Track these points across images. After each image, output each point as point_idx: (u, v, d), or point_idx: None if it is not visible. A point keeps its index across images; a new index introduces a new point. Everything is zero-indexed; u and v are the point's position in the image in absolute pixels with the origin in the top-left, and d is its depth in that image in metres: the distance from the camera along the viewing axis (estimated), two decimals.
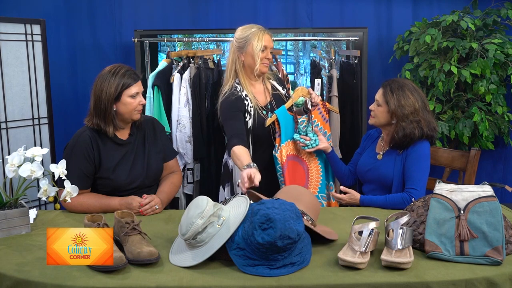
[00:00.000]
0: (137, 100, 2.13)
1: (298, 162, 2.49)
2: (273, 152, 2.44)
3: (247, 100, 2.43)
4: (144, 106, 2.24)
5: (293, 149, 2.47)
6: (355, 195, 2.23)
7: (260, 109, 2.46)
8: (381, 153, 2.33)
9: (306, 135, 2.45)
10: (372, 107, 2.32)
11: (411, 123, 2.18)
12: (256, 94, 2.50)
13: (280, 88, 2.61)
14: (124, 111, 2.12)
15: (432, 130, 2.22)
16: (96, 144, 2.12)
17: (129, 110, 2.12)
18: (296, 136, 2.45)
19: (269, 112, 2.50)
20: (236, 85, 2.46)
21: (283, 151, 2.42)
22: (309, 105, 2.47)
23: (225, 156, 2.64)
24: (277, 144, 2.44)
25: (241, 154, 2.18)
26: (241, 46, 2.42)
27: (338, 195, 2.28)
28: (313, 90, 3.15)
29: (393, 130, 2.23)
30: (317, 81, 3.18)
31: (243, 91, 2.45)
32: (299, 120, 2.46)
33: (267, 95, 2.54)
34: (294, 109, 2.53)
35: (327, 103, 2.59)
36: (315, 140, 2.44)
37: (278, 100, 2.55)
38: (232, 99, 2.41)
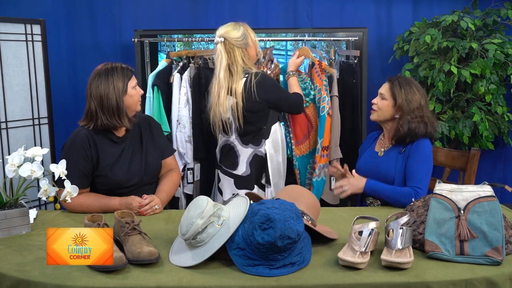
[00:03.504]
0: (137, 90, 2.19)
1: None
2: None
3: None
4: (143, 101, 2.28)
5: None
6: (359, 181, 2.19)
7: None
8: (382, 150, 2.33)
9: (305, 90, 2.81)
10: (375, 100, 2.32)
11: (416, 118, 2.20)
12: None
13: None
14: (131, 103, 2.16)
15: (433, 128, 2.24)
16: (93, 142, 2.13)
17: (134, 101, 2.18)
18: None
19: None
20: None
21: None
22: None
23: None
24: None
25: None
26: (246, 42, 2.51)
27: (335, 167, 2.35)
28: None
29: (397, 125, 2.24)
30: None
31: None
32: (299, 78, 2.81)
33: None
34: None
35: (323, 63, 2.89)
36: (312, 93, 2.84)
37: None
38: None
